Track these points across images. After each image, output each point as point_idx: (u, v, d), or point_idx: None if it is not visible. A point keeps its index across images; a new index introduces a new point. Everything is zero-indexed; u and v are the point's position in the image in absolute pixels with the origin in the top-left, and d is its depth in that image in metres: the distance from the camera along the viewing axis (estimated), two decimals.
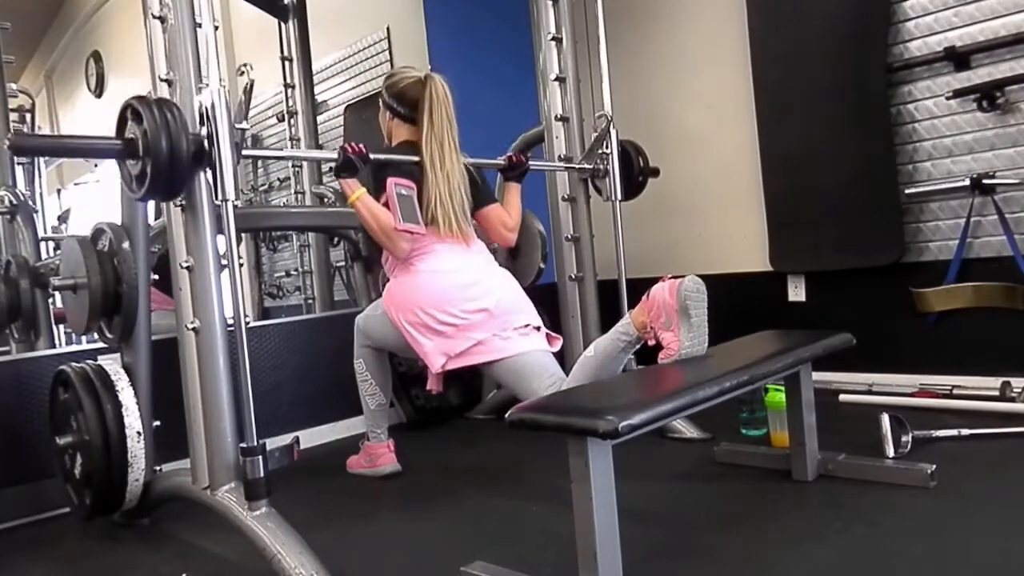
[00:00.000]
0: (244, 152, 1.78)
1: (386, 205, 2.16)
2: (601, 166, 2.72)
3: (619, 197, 2.72)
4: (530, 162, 2.51)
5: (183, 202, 1.79)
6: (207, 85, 1.70)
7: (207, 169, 1.71)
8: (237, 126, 1.73)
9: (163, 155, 1.62)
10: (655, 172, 2.90)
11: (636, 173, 2.82)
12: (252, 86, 1.63)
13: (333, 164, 2.17)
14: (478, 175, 2.41)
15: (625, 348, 1.97)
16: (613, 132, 2.69)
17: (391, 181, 2.16)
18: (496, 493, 2.22)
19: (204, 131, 1.69)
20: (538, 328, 2.26)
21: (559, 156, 2.81)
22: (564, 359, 2.86)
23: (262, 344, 2.88)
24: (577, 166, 2.77)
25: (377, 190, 2.19)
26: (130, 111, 1.67)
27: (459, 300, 2.17)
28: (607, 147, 2.69)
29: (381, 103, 2.39)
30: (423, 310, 2.17)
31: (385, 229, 2.14)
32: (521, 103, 3.06)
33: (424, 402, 3.12)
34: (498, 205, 2.44)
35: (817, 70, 2.98)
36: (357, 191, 2.15)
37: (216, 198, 1.70)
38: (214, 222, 1.79)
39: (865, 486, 1.90)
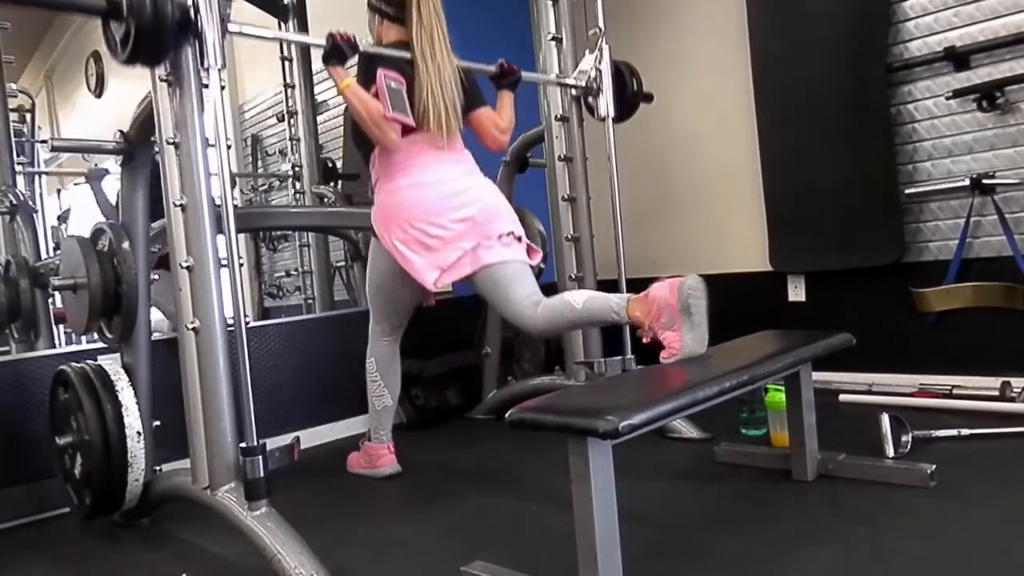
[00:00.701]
0: (229, 28, 1.77)
1: (376, 97, 2.13)
2: (594, 85, 2.70)
3: (612, 114, 2.69)
4: (523, 80, 2.49)
5: (184, 200, 1.79)
6: None
7: (193, 40, 1.71)
8: None
9: (147, 14, 1.62)
10: (648, 97, 2.88)
11: (629, 94, 2.80)
12: None
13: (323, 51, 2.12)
14: (469, 80, 2.36)
15: (608, 324, 2.06)
16: (606, 48, 2.65)
17: (381, 72, 2.13)
18: (496, 493, 2.22)
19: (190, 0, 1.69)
20: (519, 239, 2.27)
21: (559, 156, 2.81)
22: (564, 357, 2.88)
23: (262, 344, 2.88)
24: (571, 82, 2.74)
25: (367, 83, 2.16)
26: None
27: (447, 210, 2.17)
28: (599, 63, 2.66)
29: (368, 8, 2.35)
30: (412, 225, 2.16)
31: (375, 118, 2.11)
32: (521, 102, 3.06)
33: (424, 402, 3.11)
34: (489, 108, 2.40)
35: (817, 70, 2.98)
36: (346, 79, 2.12)
37: (202, 65, 1.70)
38: (214, 222, 1.79)
39: (865, 486, 1.90)
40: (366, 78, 2.17)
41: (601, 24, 2.65)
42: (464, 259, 2.18)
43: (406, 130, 2.16)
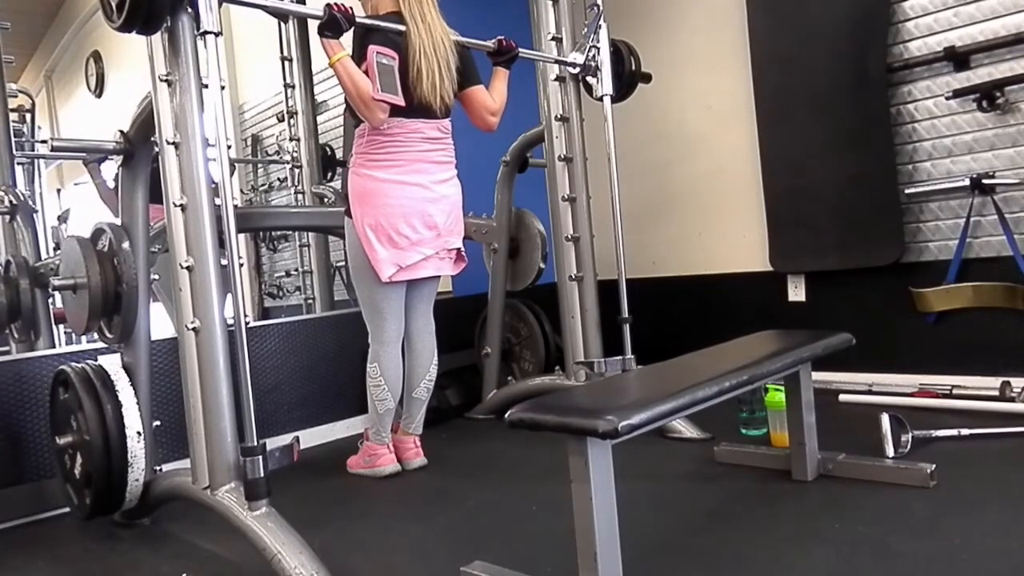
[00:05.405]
0: None
1: (367, 74, 2.14)
2: (592, 63, 2.68)
3: (610, 92, 2.67)
4: (520, 56, 2.50)
5: (184, 200, 1.79)
6: None
7: (188, 7, 1.71)
8: None
9: None
10: (647, 77, 2.87)
11: (627, 73, 2.79)
12: None
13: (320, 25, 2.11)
14: (465, 56, 2.38)
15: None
16: (604, 25, 2.64)
17: (372, 49, 2.15)
18: (496, 493, 2.22)
19: None
20: (454, 255, 2.45)
21: (559, 156, 2.81)
22: (564, 357, 2.87)
23: (262, 344, 2.88)
24: (568, 60, 2.73)
25: (359, 58, 2.18)
26: None
27: (422, 214, 2.30)
28: (597, 41, 2.64)
29: None
30: (387, 219, 2.26)
31: (363, 96, 2.13)
32: (521, 103, 3.07)
33: None
34: (482, 87, 2.42)
35: (817, 70, 2.98)
36: (339, 53, 2.13)
37: (197, 30, 1.70)
38: (214, 222, 1.79)
39: (865, 486, 1.90)
40: (358, 52, 2.19)
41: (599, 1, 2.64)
42: (422, 264, 2.33)
43: (398, 109, 2.19)
